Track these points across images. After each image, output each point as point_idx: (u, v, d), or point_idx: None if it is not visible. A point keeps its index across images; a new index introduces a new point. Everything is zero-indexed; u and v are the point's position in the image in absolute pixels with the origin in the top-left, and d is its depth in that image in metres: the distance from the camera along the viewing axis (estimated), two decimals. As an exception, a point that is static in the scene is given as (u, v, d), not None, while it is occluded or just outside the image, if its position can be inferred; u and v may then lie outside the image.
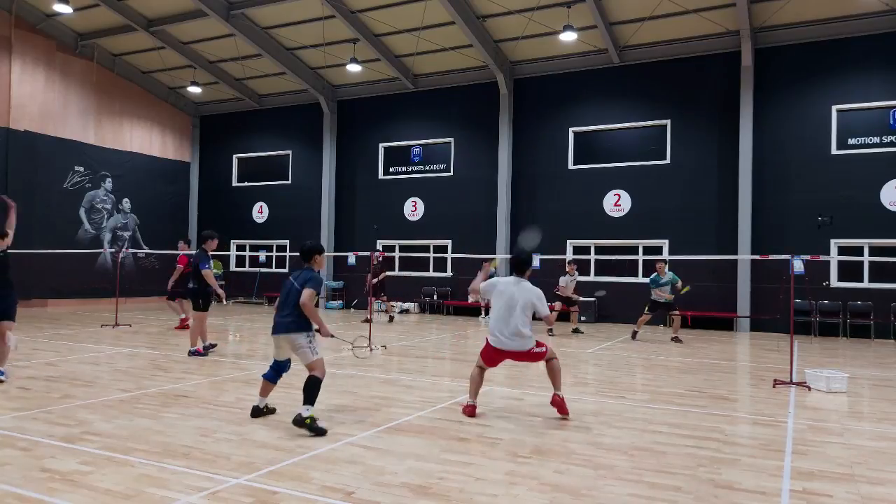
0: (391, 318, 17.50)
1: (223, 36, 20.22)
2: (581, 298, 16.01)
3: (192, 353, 10.34)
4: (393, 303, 17.94)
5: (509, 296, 6.51)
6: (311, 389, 5.82)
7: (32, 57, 19.79)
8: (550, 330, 14.47)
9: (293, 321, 6.00)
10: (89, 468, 4.70)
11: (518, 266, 6.77)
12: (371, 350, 7.50)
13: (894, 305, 15.40)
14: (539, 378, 9.01)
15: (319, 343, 6.13)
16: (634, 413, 6.92)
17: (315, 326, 6.11)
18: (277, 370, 6.31)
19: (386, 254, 14.95)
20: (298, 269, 6.27)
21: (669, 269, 14.12)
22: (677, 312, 14.10)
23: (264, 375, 6.34)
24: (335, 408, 6.75)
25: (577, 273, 15.46)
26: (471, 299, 7.56)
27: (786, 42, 16.68)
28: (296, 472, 4.72)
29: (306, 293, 5.95)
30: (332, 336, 6.35)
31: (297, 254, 6.54)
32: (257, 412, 6.32)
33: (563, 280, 15.17)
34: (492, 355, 6.70)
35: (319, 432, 5.68)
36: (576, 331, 15.22)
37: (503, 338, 6.50)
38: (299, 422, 5.72)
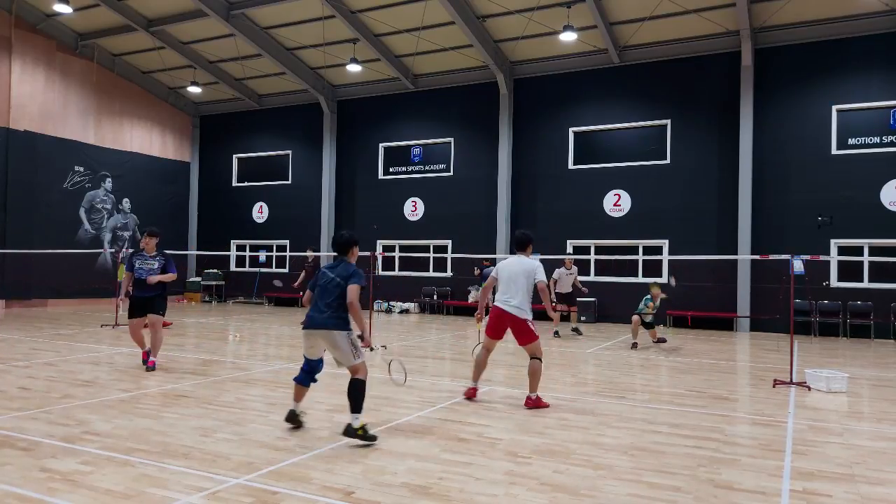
0: None
1: (223, 36, 20.22)
2: (585, 290, 15.61)
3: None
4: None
5: (511, 269, 7.14)
6: (358, 396, 5.41)
7: (32, 57, 19.79)
8: (556, 332, 14.42)
9: (332, 317, 5.46)
10: (89, 468, 4.70)
11: (519, 244, 7.34)
12: (405, 379, 7.28)
13: (894, 305, 15.39)
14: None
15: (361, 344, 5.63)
16: (634, 413, 6.93)
17: (357, 331, 5.54)
18: (310, 371, 5.79)
19: (313, 254, 14.52)
20: (333, 262, 5.78)
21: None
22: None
23: (296, 379, 5.83)
24: (335, 408, 6.74)
25: (574, 268, 15.14)
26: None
27: (786, 42, 16.67)
28: (296, 472, 4.71)
29: (354, 290, 5.35)
30: (372, 349, 5.73)
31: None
32: (293, 417, 5.81)
33: (557, 272, 14.77)
34: (493, 322, 7.20)
35: (372, 440, 5.41)
36: (575, 330, 15.15)
37: (504, 299, 7.06)
38: (351, 433, 5.36)
